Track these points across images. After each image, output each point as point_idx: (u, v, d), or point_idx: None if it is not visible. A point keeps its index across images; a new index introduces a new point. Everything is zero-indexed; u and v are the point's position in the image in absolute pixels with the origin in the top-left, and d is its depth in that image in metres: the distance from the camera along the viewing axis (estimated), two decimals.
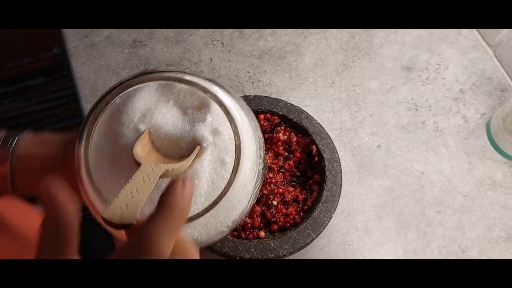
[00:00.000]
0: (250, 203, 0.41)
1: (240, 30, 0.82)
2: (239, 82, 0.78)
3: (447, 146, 0.73)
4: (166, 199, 0.30)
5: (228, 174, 0.39)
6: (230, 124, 0.40)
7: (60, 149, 0.44)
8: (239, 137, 0.40)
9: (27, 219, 0.59)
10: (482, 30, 0.82)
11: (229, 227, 0.41)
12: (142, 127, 0.39)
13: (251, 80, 0.78)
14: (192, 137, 0.39)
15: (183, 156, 0.39)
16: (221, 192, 0.38)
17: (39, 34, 1.44)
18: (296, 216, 0.61)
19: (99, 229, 0.36)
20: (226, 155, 0.39)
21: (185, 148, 0.39)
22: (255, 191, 0.41)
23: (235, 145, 0.39)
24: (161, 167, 0.35)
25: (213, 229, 0.39)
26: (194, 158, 0.38)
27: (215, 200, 0.38)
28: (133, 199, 0.32)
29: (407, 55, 0.81)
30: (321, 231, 0.58)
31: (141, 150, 0.37)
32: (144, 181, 0.33)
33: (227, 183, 0.38)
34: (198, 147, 0.38)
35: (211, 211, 0.38)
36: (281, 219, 0.61)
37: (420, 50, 0.81)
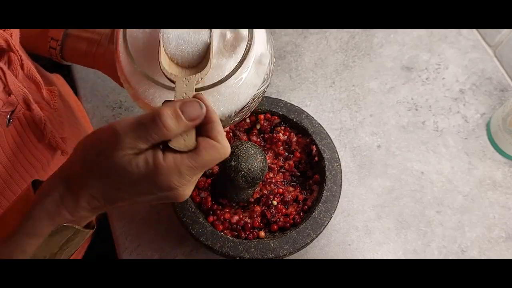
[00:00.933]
0: (249, 104, 0.45)
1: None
2: None
3: (447, 146, 0.73)
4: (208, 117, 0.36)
5: (232, 66, 0.40)
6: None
7: (101, 35, 0.53)
8: (252, 36, 0.41)
9: None
10: (482, 30, 0.82)
11: (227, 117, 0.44)
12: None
13: None
14: (201, 40, 0.41)
15: (194, 64, 0.41)
16: (222, 78, 0.40)
17: None
18: (296, 216, 0.61)
19: None
20: (238, 48, 0.42)
21: (197, 55, 0.41)
22: (257, 92, 0.45)
23: (247, 44, 0.41)
24: (192, 80, 0.38)
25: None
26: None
27: (215, 83, 0.40)
28: None
29: (407, 55, 0.81)
30: (321, 231, 0.58)
31: (165, 63, 0.39)
32: (183, 98, 0.37)
33: (229, 72, 0.40)
34: (211, 45, 0.40)
35: (209, 90, 0.40)
36: (281, 219, 0.61)
37: (420, 50, 0.81)
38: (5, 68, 0.40)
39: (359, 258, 0.65)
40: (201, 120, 0.36)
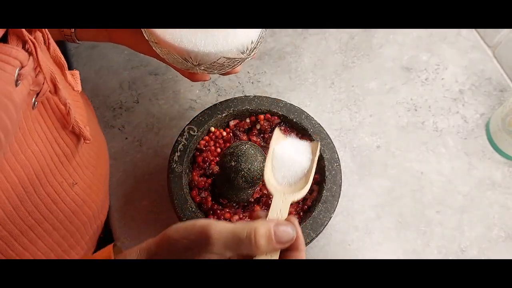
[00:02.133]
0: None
1: None
2: (239, 82, 0.78)
3: (447, 146, 0.73)
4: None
5: None
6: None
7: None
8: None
9: None
10: (481, 31, 0.82)
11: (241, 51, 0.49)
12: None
13: (251, 81, 0.78)
14: (304, 166, 0.43)
15: (291, 183, 0.43)
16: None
17: None
18: (296, 216, 0.61)
19: None
20: None
21: (296, 176, 0.43)
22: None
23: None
24: (290, 199, 0.39)
25: (231, 42, 0.48)
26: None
27: None
28: None
29: (407, 56, 0.81)
30: (321, 231, 0.59)
31: (269, 173, 0.42)
32: (277, 215, 0.38)
33: None
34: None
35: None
36: None
37: (420, 50, 0.81)
38: (36, 43, 0.39)
39: (359, 258, 0.65)
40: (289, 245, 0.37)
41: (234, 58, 0.51)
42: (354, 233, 0.66)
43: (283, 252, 0.37)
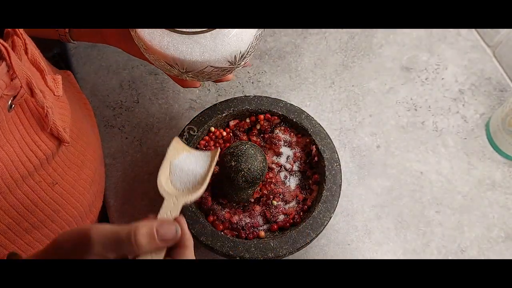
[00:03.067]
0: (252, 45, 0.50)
1: None
2: (239, 82, 0.78)
3: (447, 146, 0.73)
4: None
5: None
6: None
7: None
8: None
9: None
10: (481, 30, 0.82)
11: (231, 60, 0.50)
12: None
13: (251, 81, 0.78)
14: (200, 173, 0.46)
15: (190, 188, 0.45)
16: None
17: None
18: (296, 216, 0.61)
19: None
20: None
21: (193, 182, 0.46)
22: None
23: None
24: (180, 201, 0.41)
25: (218, 51, 0.48)
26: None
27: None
28: None
29: (407, 56, 0.81)
30: (321, 231, 0.59)
31: (163, 179, 0.44)
32: (166, 215, 0.40)
33: None
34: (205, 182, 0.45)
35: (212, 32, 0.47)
36: (281, 219, 0.61)
37: (420, 50, 0.81)
38: (9, 48, 0.40)
39: (358, 258, 0.65)
40: (174, 243, 0.37)
41: (222, 67, 0.51)
42: (354, 233, 0.66)
43: (170, 250, 0.37)
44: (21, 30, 0.43)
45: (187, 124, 0.64)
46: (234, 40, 0.49)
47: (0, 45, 0.38)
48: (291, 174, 0.65)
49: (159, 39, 0.49)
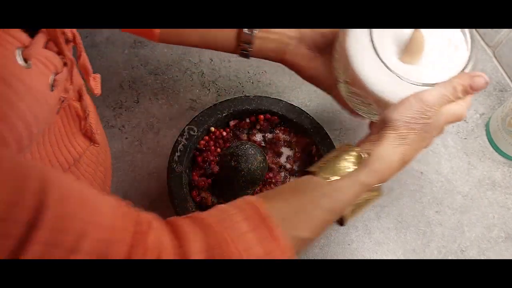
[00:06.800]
0: None
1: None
2: (239, 82, 0.78)
3: (447, 146, 0.73)
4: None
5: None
6: None
7: (291, 38, 0.59)
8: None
9: None
10: (481, 30, 0.82)
11: None
12: None
13: (251, 81, 0.78)
14: None
15: None
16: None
17: None
18: None
19: None
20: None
21: None
22: None
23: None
24: None
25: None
26: None
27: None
28: None
29: None
30: None
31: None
32: None
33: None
34: None
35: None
36: None
37: None
38: (73, 61, 0.42)
39: (358, 258, 0.65)
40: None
41: None
42: (354, 233, 0.66)
43: None
44: (79, 38, 0.44)
45: (187, 124, 0.64)
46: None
47: (66, 54, 0.39)
48: (291, 174, 0.65)
49: (378, 79, 0.47)
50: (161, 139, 0.73)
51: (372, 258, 0.65)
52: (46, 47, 0.37)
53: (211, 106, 0.66)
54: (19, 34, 0.34)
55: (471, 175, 0.71)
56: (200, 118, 0.65)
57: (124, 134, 0.73)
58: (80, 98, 0.45)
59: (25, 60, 0.34)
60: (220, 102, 0.66)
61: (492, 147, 0.73)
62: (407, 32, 0.49)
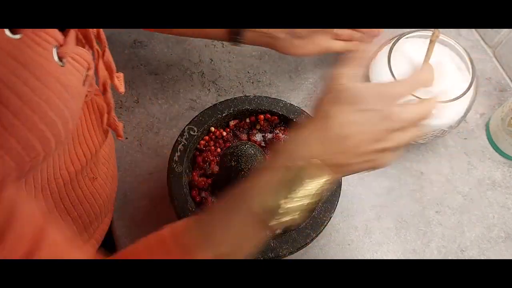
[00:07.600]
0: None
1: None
2: (239, 82, 0.78)
3: (447, 146, 0.73)
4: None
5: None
6: None
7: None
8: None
9: None
10: (481, 31, 0.82)
11: None
12: None
13: (251, 81, 0.78)
14: None
15: None
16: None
17: None
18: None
19: None
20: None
21: None
22: None
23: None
24: None
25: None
26: None
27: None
28: None
29: None
30: (321, 231, 0.59)
31: None
32: None
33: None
34: None
35: None
36: None
37: None
38: (100, 52, 0.44)
39: (358, 258, 0.65)
40: None
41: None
42: (354, 233, 0.66)
43: None
44: (103, 34, 0.45)
45: (187, 124, 0.64)
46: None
47: (95, 48, 0.42)
48: None
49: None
50: (161, 139, 0.73)
51: (372, 258, 0.65)
52: (76, 43, 0.38)
53: (211, 106, 0.66)
54: (56, 33, 0.34)
55: (471, 175, 0.71)
56: (200, 118, 0.65)
57: (124, 134, 0.73)
58: (104, 91, 0.47)
59: (60, 58, 0.34)
60: (220, 102, 0.66)
61: (492, 147, 0.73)
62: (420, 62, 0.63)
